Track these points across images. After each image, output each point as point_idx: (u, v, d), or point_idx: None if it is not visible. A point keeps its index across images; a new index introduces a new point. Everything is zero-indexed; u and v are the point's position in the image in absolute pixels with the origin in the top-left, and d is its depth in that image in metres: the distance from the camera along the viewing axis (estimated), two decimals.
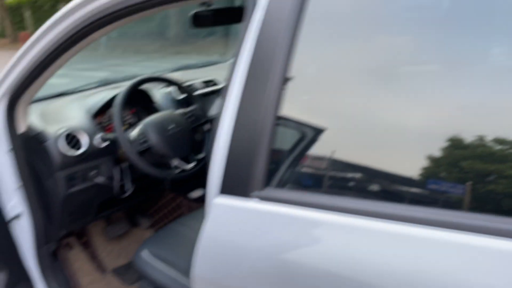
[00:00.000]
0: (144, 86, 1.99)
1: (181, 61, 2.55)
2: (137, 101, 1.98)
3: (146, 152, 1.70)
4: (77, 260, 2.15)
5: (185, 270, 1.40)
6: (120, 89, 1.88)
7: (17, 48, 1.68)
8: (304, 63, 0.91)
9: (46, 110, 1.83)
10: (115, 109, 1.67)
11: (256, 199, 0.89)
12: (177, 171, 1.76)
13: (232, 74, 0.94)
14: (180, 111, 1.90)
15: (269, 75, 0.88)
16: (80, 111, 1.84)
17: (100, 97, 1.94)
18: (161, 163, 1.78)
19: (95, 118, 1.86)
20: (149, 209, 2.48)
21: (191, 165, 1.81)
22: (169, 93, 2.11)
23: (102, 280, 2.14)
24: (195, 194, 2.30)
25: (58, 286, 1.78)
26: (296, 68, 0.88)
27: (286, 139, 0.94)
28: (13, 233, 1.75)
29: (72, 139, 1.70)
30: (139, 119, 1.95)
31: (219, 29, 4.19)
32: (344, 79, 0.89)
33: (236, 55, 0.94)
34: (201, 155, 1.88)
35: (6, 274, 1.78)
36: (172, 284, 1.43)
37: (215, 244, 0.93)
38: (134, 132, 1.72)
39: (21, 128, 1.68)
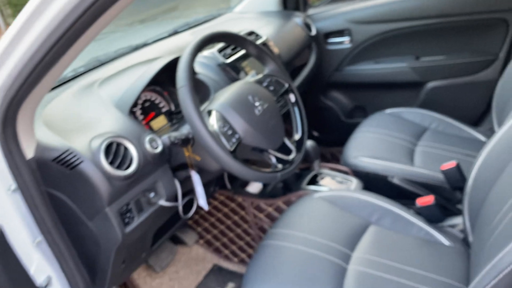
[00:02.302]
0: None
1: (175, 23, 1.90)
2: (163, 79, 1.33)
3: (236, 149, 1.09)
4: None
5: None
6: (142, 66, 1.23)
7: None
8: None
9: (51, 113, 1.14)
10: (184, 88, 1.03)
11: None
12: (283, 168, 1.17)
13: None
14: (252, 79, 1.29)
15: None
16: (105, 106, 1.17)
17: (123, 81, 1.26)
18: (254, 160, 1.18)
19: (131, 113, 1.20)
20: (190, 218, 1.87)
21: (293, 154, 1.23)
22: (211, 57, 1.47)
23: None
24: (254, 188, 1.72)
25: None
26: None
27: None
28: None
29: (114, 153, 1.05)
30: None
31: None
32: None
33: None
34: (297, 136, 1.30)
35: None
36: None
37: None
38: (211, 121, 1.09)
39: (29, 151, 1.00)
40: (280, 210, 1.61)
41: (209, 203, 1.76)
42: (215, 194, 1.72)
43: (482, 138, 1.80)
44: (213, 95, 1.18)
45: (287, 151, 1.22)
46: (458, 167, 1.45)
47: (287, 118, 1.37)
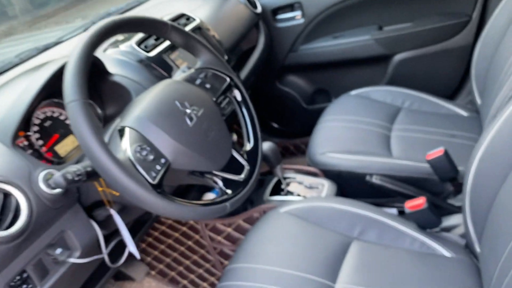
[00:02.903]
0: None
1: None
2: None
3: (163, 179, 0.78)
4: None
5: None
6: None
7: None
8: None
9: None
10: (73, 104, 0.71)
11: None
12: (234, 194, 0.88)
13: None
14: (180, 76, 0.98)
15: None
16: None
17: (1, 101, 0.92)
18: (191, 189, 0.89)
19: (14, 142, 0.87)
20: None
21: (246, 170, 0.94)
22: (129, 52, 1.15)
23: None
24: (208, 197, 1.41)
25: None
26: None
27: None
28: None
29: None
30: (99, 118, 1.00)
31: None
32: None
33: None
34: (248, 146, 1.01)
35: None
36: None
37: None
38: (123, 144, 0.78)
39: None
40: (241, 230, 1.33)
41: (154, 229, 1.45)
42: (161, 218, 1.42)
43: (463, 113, 1.57)
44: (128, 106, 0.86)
45: (238, 168, 0.93)
46: (446, 154, 1.20)
47: (234, 120, 1.08)
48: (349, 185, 1.36)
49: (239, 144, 0.98)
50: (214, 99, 0.95)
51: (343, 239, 1.08)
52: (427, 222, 1.08)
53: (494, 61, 1.34)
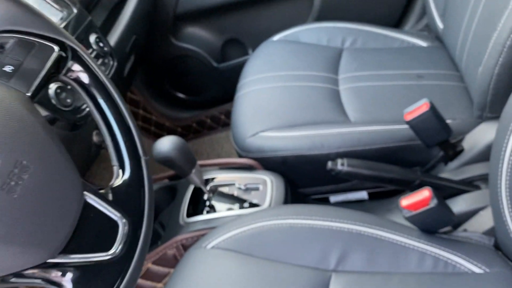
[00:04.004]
0: None
1: None
2: None
3: None
4: None
5: None
6: None
7: None
8: None
9: None
10: None
11: None
12: None
13: None
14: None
15: None
16: None
17: None
18: None
19: None
20: None
21: (121, 234, 0.47)
22: None
23: None
24: None
25: None
26: None
27: None
28: None
29: None
30: None
31: None
32: None
33: None
34: (120, 178, 0.52)
35: None
36: None
37: None
38: None
39: None
40: (154, 277, 0.87)
41: None
42: None
43: (422, 43, 1.19)
44: None
45: (104, 233, 0.46)
46: (433, 109, 0.82)
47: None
48: (301, 174, 0.95)
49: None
50: (30, 93, 0.45)
51: (315, 276, 0.68)
52: (436, 223, 0.70)
53: None
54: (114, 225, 0.47)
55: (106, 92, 0.54)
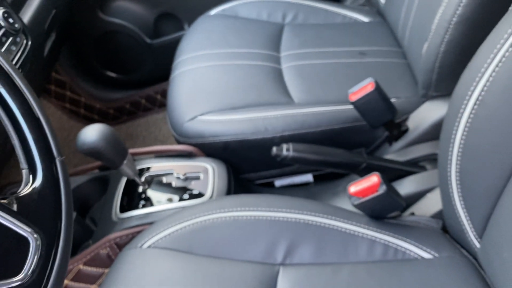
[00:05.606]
0: None
1: None
2: None
3: None
4: None
5: None
6: None
7: None
8: None
9: None
10: None
11: None
12: None
13: None
14: None
15: None
16: None
17: None
18: None
19: None
20: None
21: (32, 256, 0.39)
22: None
23: None
24: None
25: None
26: None
27: None
28: None
29: None
30: None
31: None
32: None
33: None
34: (29, 186, 0.43)
35: None
36: None
37: None
38: None
39: None
40: (85, 278, 0.79)
41: None
42: None
43: (363, 18, 1.16)
44: None
45: (10, 252, 0.38)
46: (378, 89, 0.79)
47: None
48: (245, 159, 0.89)
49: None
50: None
51: (262, 271, 0.64)
52: (385, 208, 0.68)
53: None
54: (23, 242, 0.39)
55: (9, 78, 0.45)
